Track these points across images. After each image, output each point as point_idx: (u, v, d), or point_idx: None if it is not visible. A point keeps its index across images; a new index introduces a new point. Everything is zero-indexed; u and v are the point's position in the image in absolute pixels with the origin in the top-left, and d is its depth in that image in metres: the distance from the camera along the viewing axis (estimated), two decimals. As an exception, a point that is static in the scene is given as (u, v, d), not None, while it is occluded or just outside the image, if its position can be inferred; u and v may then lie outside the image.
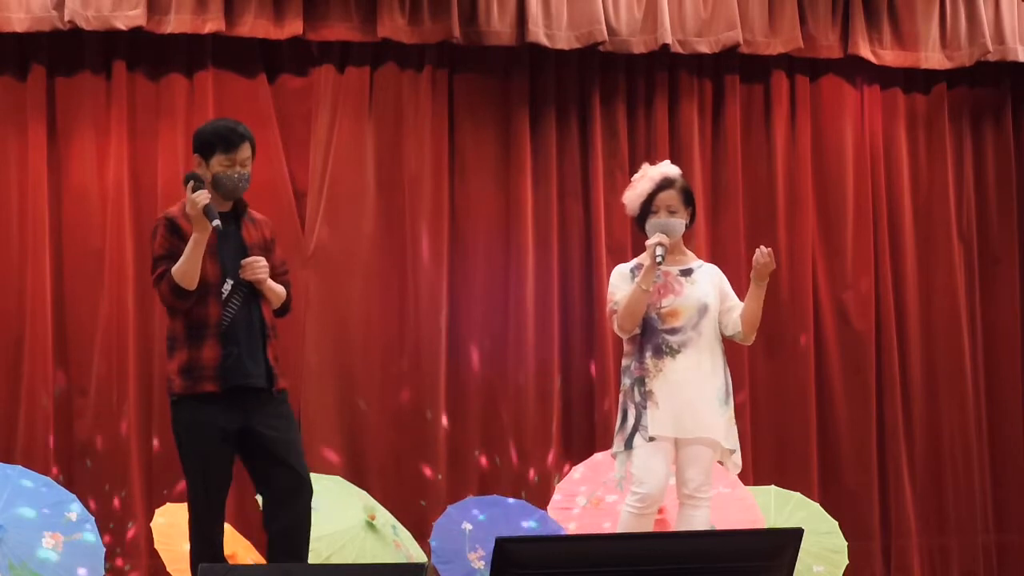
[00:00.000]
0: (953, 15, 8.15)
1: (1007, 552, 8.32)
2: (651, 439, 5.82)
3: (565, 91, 7.98)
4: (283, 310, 5.67)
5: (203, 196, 5.36)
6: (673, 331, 5.90)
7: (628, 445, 5.87)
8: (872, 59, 8.12)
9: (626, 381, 5.95)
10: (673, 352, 5.89)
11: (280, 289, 5.59)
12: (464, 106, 7.88)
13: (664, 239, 5.87)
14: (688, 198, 6.02)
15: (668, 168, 6.08)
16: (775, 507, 6.92)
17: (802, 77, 8.25)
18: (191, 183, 5.40)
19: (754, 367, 8.06)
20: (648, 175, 6.03)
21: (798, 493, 7.13)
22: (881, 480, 8.14)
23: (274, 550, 5.52)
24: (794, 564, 3.95)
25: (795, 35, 8.01)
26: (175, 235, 5.46)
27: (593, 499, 6.70)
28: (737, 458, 6.01)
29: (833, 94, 8.27)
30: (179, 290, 5.38)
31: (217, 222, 5.35)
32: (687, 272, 5.99)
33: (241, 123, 5.67)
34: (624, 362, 6.00)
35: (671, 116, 8.07)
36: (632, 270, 6.03)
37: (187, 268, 5.36)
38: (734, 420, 6.00)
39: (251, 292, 5.48)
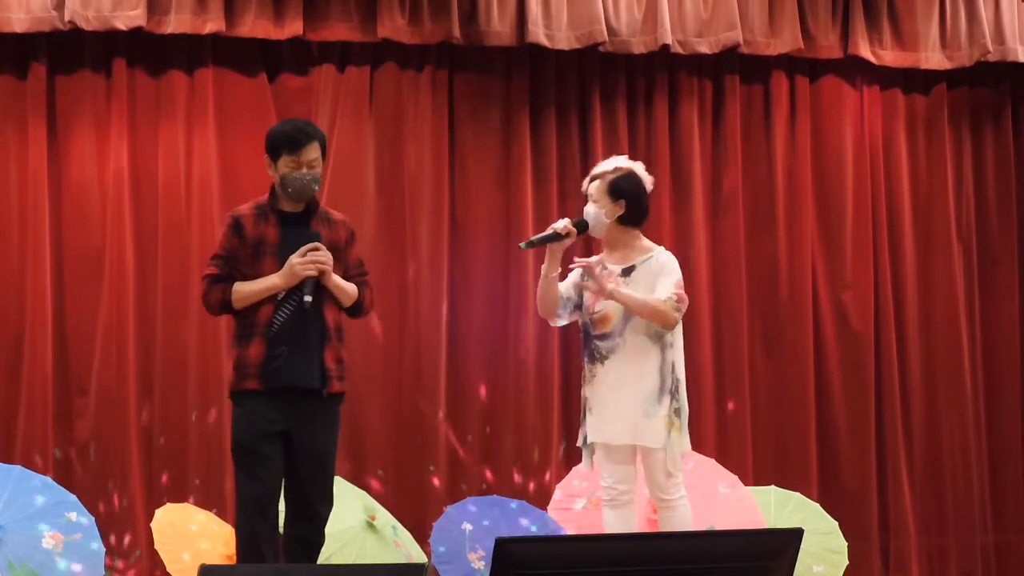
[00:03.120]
0: (953, 15, 8.15)
1: (1006, 553, 8.32)
2: (586, 441, 5.92)
3: (565, 91, 7.98)
4: (355, 310, 5.67)
5: (313, 270, 5.42)
6: (602, 337, 5.90)
7: (583, 441, 5.97)
8: (872, 59, 8.12)
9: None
10: (602, 358, 5.90)
11: (350, 288, 5.59)
12: (464, 106, 7.88)
13: (559, 224, 5.87)
14: (616, 191, 5.92)
15: (605, 162, 6.09)
16: (775, 507, 6.92)
17: (802, 77, 8.25)
18: (312, 245, 5.46)
19: (754, 367, 8.06)
20: None
21: (798, 493, 7.13)
22: (880, 480, 8.14)
23: (287, 554, 5.54)
24: (794, 564, 3.94)
25: (795, 35, 8.01)
26: (236, 235, 5.52)
27: (593, 499, 6.70)
28: (671, 464, 5.81)
29: (833, 94, 8.28)
30: (228, 306, 5.50)
31: (308, 298, 5.41)
32: (628, 271, 5.94)
33: (311, 123, 5.74)
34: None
35: (671, 116, 8.07)
36: (581, 275, 6.01)
37: (250, 300, 5.47)
38: (677, 416, 5.84)
39: (313, 293, 5.47)
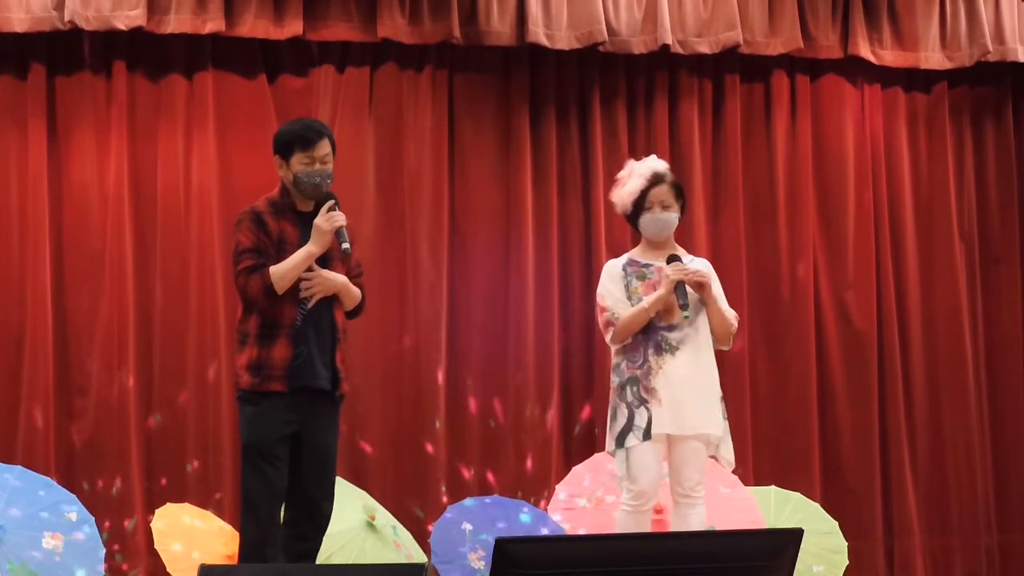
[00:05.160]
0: (953, 15, 8.15)
1: (1010, 553, 8.31)
2: (647, 437, 5.79)
3: (565, 91, 7.98)
4: (355, 312, 5.68)
5: (343, 217, 5.48)
6: (671, 328, 5.88)
7: (620, 443, 5.85)
8: (872, 59, 8.12)
9: (615, 379, 5.95)
10: (672, 349, 5.87)
11: (356, 293, 5.60)
12: (464, 106, 7.88)
13: (677, 276, 5.84)
14: (679, 192, 6.00)
15: (657, 163, 6.05)
16: (775, 507, 6.92)
17: (802, 77, 8.25)
18: (332, 203, 5.48)
19: (755, 367, 8.06)
20: (637, 172, 6.01)
21: (798, 493, 7.13)
22: (883, 480, 8.13)
23: (287, 554, 5.54)
24: (794, 564, 3.94)
25: (795, 35, 8.01)
26: (261, 229, 5.49)
27: (593, 499, 6.70)
28: (727, 453, 5.94)
29: (833, 94, 8.27)
30: (272, 291, 5.41)
31: (347, 245, 5.45)
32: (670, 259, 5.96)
33: (319, 120, 5.75)
34: (614, 360, 5.99)
35: (671, 116, 8.07)
36: (624, 267, 6.00)
37: (292, 276, 5.42)
38: (724, 418, 5.95)
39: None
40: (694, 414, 5.84)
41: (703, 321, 5.93)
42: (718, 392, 5.92)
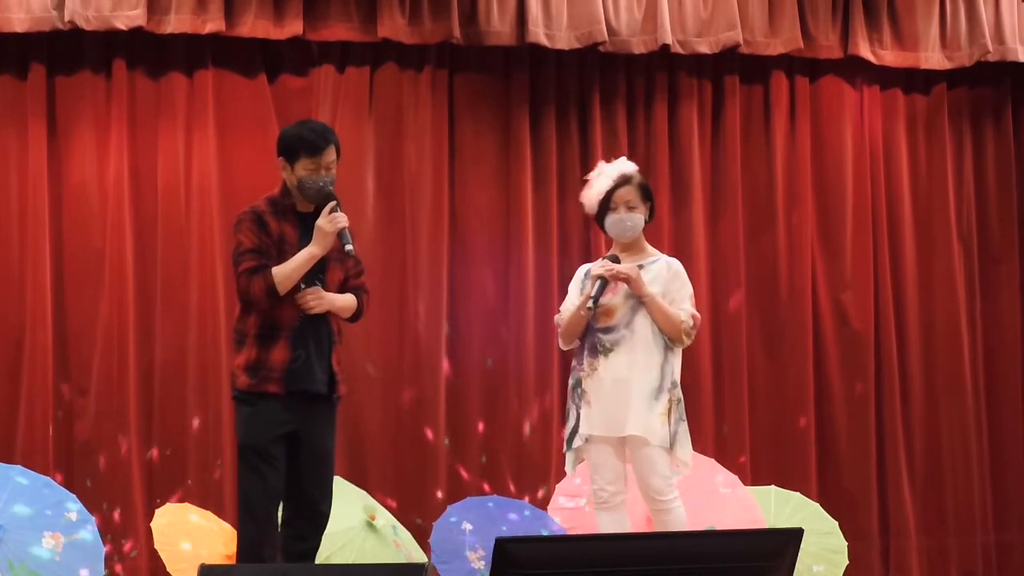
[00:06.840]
0: (953, 15, 8.15)
1: (1007, 552, 8.31)
2: (587, 439, 5.85)
3: (565, 91, 7.98)
4: (355, 317, 5.68)
5: (345, 219, 5.46)
6: (607, 330, 5.87)
7: (569, 444, 5.91)
8: (872, 59, 8.12)
9: (570, 381, 5.99)
10: (606, 351, 5.86)
11: (349, 302, 5.59)
12: (464, 106, 7.88)
13: (602, 270, 5.82)
14: (646, 194, 5.98)
15: (625, 165, 6.04)
16: (775, 507, 6.92)
17: (802, 77, 8.25)
18: (334, 204, 5.46)
19: (753, 367, 8.06)
20: (605, 173, 6.01)
21: (798, 493, 7.13)
22: (880, 480, 8.13)
23: (286, 554, 5.55)
24: (794, 564, 3.95)
25: (795, 35, 8.01)
26: (262, 229, 5.48)
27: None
28: (684, 455, 5.86)
29: (833, 94, 8.27)
30: (274, 292, 5.41)
31: (350, 247, 5.44)
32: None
33: (326, 125, 5.72)
34: (573, 361, 6.02)
35: (671, 116, 8.07)
36: (589, 271, 6.01)
37: (295, 277, 5.41)
38: (673, 416, 5.84)
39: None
40: (623, 415, 5.80)
41: (641, 322, 5.87)
42: (653, 394, 5.81)
